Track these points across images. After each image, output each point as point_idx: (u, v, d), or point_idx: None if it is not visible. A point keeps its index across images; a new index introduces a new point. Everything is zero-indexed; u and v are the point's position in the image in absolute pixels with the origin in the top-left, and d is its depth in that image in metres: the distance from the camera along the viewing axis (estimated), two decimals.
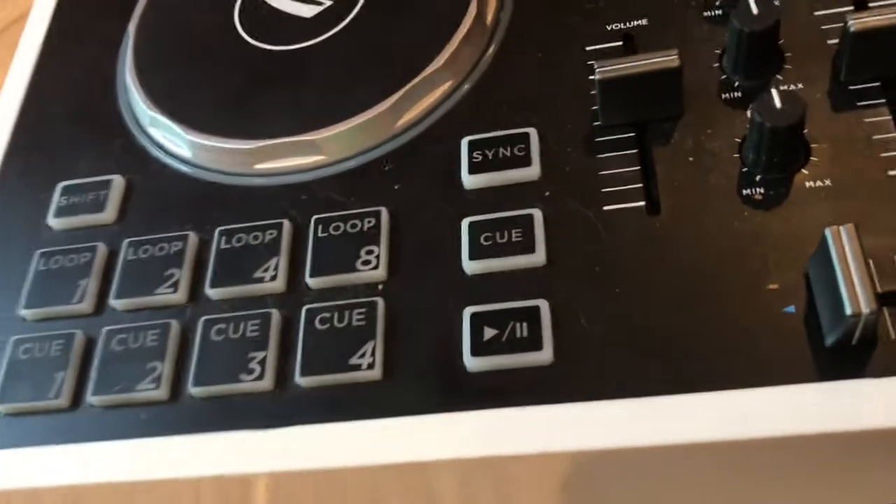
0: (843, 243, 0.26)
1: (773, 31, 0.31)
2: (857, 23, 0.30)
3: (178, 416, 0.31)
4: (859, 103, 0.31)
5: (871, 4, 0.33)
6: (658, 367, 0.28)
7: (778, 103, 0.29)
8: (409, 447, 0.28)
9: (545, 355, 0.28)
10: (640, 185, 0.31)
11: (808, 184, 0.30)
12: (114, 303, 0.33)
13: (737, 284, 0.29)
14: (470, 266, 0.31)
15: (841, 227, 0.26)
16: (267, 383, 0.30)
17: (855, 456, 0.27)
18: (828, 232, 0.26)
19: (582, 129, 0.33)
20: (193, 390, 0.31)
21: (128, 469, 0.30)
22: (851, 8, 0.33)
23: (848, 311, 0.25)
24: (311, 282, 0.32)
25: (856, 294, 0.25)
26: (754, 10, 0.31)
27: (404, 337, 0.30)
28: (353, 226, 0.32)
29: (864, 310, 0.25)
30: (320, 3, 0.38)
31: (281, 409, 0.30)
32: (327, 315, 0.31)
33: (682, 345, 0.28)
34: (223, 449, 0.30)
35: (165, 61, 0.39)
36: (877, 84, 0.31)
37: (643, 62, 0.31)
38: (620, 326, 0.29)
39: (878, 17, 0.30)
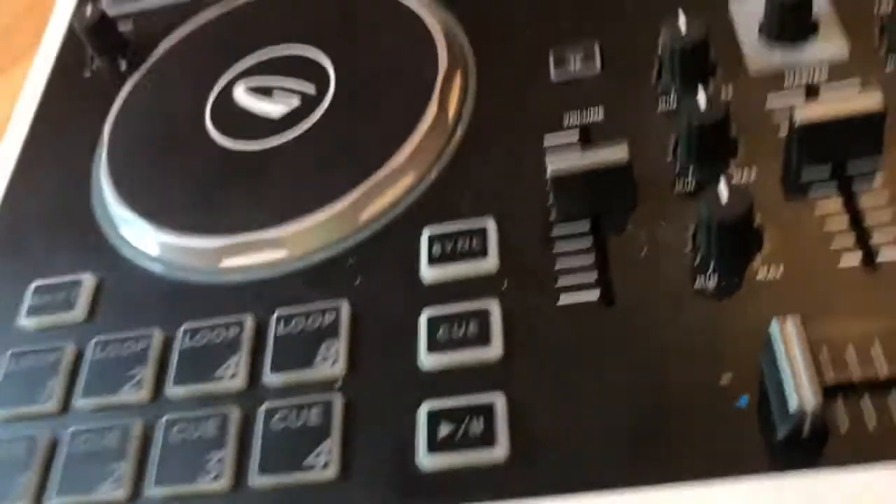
0: (788, 336, 0.26)
1: (721, 125, 0.32)
2: (802, 115, 0.31)
3: None
4: (811, 191, 0.31)
5: (822, 92, 0.34)
6: (613, 461, 0.28)
7: (724, 198, 0.29)
8: None
9: (500, 452, 0.28)
10: (595, 277, 0.31)
11: (760, 273, 0.30)
12: (79, 402, 0.34)
13: (691, 377, 0.28)
14: (427, 360, 0.31)
15: (787, 319, 0.26)
16: (224, 483, 0.30)
17: None
18: (774, 324, 0.26)
19: (539, 221, 0.34)
20: (153, 491, 0.31)
21: None
22: (802, 98, 0.34)
23: (793, 407, 0.25)
24: (271, 379, 0.32)
25: (801, 389, 0.25)
26: (703, 104, 0.32)
27: (361, 435, 0.30)
28: (314, 321, 0.33)
29: (809, 406, 0.25)
30: (289, 104, 0.39)
31: None
32: (284, 413, 0.31)
33: (637, 439, 0.28)
34: None
35: (137, 160, 0.40)
36: (828, 173, 0.32)
37: (592, 157, 0.31)
38: (575, 421, 0.29)
39: (823, 109, 0.30)
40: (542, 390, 0.30)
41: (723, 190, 0.29)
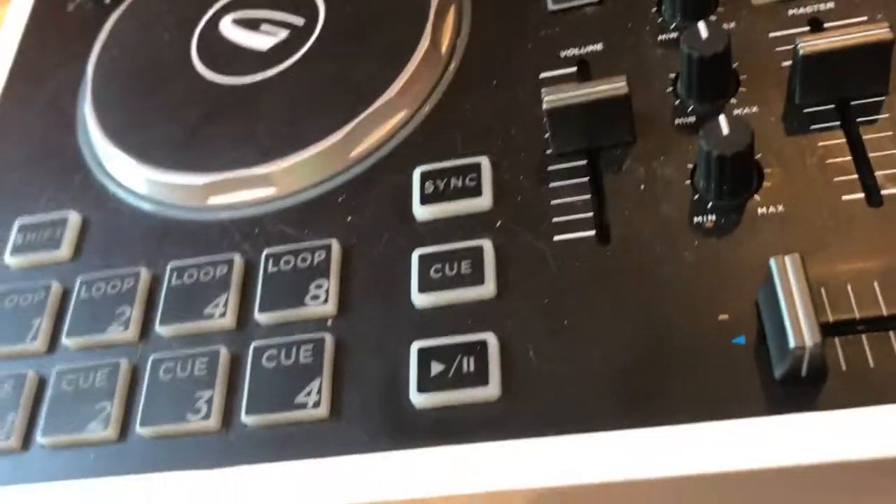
0: (787, 273, 0.25)
1: (723, 56, 0.31)
2: (806, 46, 0.29)
3: (126, 456, 0.30)
4: (813, 126, 0.30)
5: (826, 25, 0.33)
6: (606, 401, 0.27)
7: (725, 130, 0.28)
8: (354, 487, 0.28)
9: (492, 390, 0.28)
10: (591, 214, 0.31)
11: (760, 210, 0.29)
12: (66, 341, 0.33)
13: (687, 315, 0.28)
14: (419, 299, 0.30)
15: (786, 257, 0.26)
16: (213, 422, 0.30)
17: (803, 490, 0.26)
18: (773, 262, 0.26)
19: (535, 158, 0.33)
20: (141, 430, 0.30)
21: None
22: (806, 29, 0.33)
23: (791, 343, 0.24)
24: (261, 318, 0.31)
25: (800, 325, 0.24)
26: (704, 34, 0.31)
27: (352, 373, 0.30)
28: (304, 259, 0.32)
29: (808, 343, 0.24)
30: (276, 36, 0.38)
31: (227, 448, 0.29)
32: (274, 352, 0.30)
33: (631, 378, 0.27)
34: (170, 489, 0.29)
35: (123, 97, 0.39)
36: (831, 107, 0.31)
37: (590, 90, 0.30)
38: (569, 360, 0.28)
39: (828, 40, 0.29)
40: (535, 329, 0.29)
41: (723, 122, 0.28)
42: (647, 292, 0.29)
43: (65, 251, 0.35)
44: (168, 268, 0.33)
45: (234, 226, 0.34)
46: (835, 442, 0.25)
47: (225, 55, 0.38)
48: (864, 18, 0.32)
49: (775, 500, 0.27)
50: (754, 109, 0.31)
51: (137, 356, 0.32)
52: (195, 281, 0.33)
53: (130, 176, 0.37)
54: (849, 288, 0.27)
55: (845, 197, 0.29)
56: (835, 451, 0.25)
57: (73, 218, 0.36)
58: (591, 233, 0.30)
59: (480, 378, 0.28)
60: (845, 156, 0.30)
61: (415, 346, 0.29)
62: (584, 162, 0.32)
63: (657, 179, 0.31)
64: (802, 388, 0.26)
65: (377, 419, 0.29)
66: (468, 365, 0.28)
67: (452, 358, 0.29)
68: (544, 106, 0.31)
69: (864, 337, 0.26)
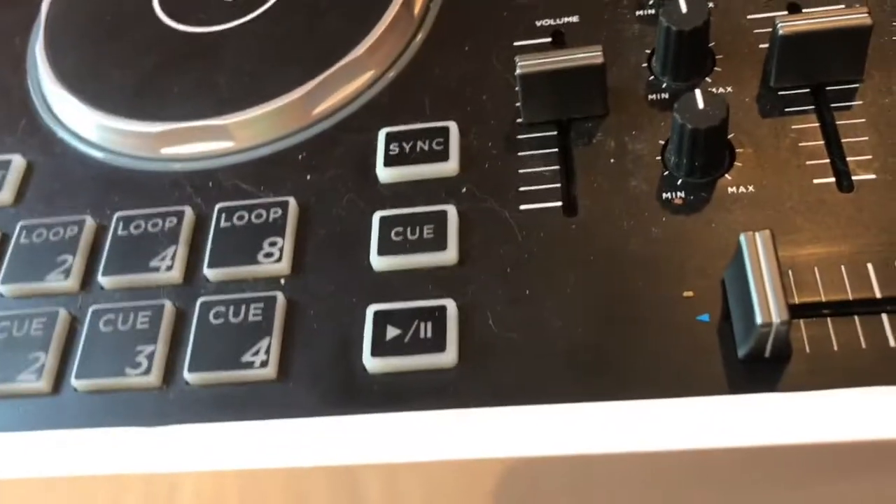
0: (757, 250, 0.25)
1: (702, 32, 0.30)
2: (785, 26, 0.29)
3: (59, 409, 0.29)
4: (787, 109, 0.30)
5: (805, 10, 0.32)
6: (566, 373, 0.26)
7: (700, 105, 0.28)
8: (298, 451, 0.26)
9: (448, 357, 0.27)
10: (559, 185, 0.30)
11: (730, 189, 0.29)
12: (1, 288, 0.31)
13: (652, 291, 0.27)
14: (378, 262, 0.29)
15: (756, 234, 0.25)
16: (153, 378, 0.28)
17: (761, 471, 0.25)
18: (742, 238, 0.25)
19: (504, 126, 0.32)
20: (76, 383, 0.29)
21: (4, 465, 0.28)
22: (784, 12, 0.32)
23: (759, 320, 0.24)
24: (210, 273, 0.30)
25: (767, 303, 0.24)
26: (683, 8, 0.30)
27: (303, 334, 0.29)
28: (259, 216, 0.31)
29: (775, 319, 0.24)
30: None
31: (167, 406, 0.28)
32: (222, 309, 0.29)
33: (592, 351, 0.27)
34: (104, 445, 0.28)
35: (77, 39, 0.37)
36: (806, 90, 0.30)
37: (566, 58, 0.30)
38: (529, 331, 0.27)
39: (807, 21, 0.29)
40: (496, 298, 0.28)
41: (699, 96, 0.28)
42: (611, 266, 0.28)
43: (6, 195, 0.34)
44: (114, 217, 0.32)
45: (186, 178, 0.33)
46: (795, 424, 0.24)
47: (188, 4, 0.37)
48: (843, 6, 0.32)
49: (731, 481, 0.26)
50: (729, 89, 0.31)
51: (77, 307, 0.30)
52: (142, 232, 0.31)
53: (80, 121, 0.35)
54: (816, 271, 0.27)
55: (816, 181, 0.28)
56: (794, 433, 0.24)
57: (17, 161, 0.34)
58: (558, 204, 0.30)
59: (437, 344, 0.27)
60: (818, 140, 0.29)
61: (371, 310, 0.28)
62: (554, 133, 0.31)
63: (628, 154, 0.30)
64: (765, 369, 0.25)
65: (327, 382, 0.27)
66: (425, 330, 0.27)
67: (409, 323, 0.28)
68: (518, 71, 0.30)
69: (828, 320, 0.26)
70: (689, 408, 0.25)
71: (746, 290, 0.24)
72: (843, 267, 0.26)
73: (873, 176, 0.28)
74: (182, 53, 0.35)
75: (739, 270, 0.25)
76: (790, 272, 0.27)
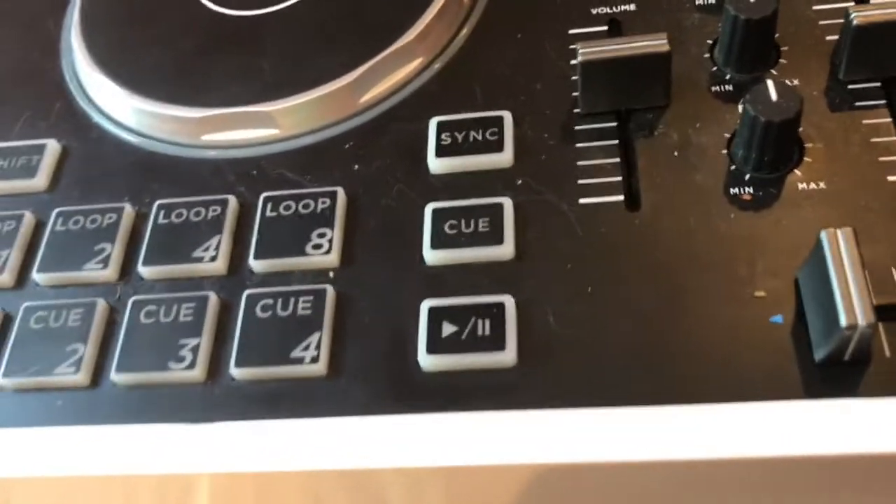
0: (839, 248, 0.24)
1: (770, 21, 0.29)
2: (859, 16, 0.28)
3: (97, 404, 0.28)
4: (858, 103, 0.29)
5: (875, 1, 0.31)
6: (630, 375, 0.25)
7: (774, 96, 0.27)
8: (352, 451, 0.25)
9: (508, 356, 0.26)
10: (620, 178, 0.29)
11: (800, 185, 0.28)
12: (36, 276, 0.30)
13: (720, 290, 0.26)
14: (431, 256, 0.28)
15: (838, 231, 0.24)
16: (198, 373, 0.27)
17: (839, 481, 0.24)
18: (823, 235, 0.24)
19: (560, 116, 0.31)
20: (116, 377, 0.28)
21: (38, 460, 0.27)
22: (852, 3, 0.31)
23: (843, 322, 0.22)
24: (255, 265, 0.29)
25: (852, 304, 0.23)
26: None
27: (354, 330, 0.27)
28: (306, 206, 0.30)
29: (861, 322, 0.22)
30: None
31: (213, 402, 0.27)
32: (270, 302, 0.28)
33: (657, 352, 0.25)
34: (145, 442, 0.27)
35: (114, 21, 0.36)
36: (877, 84, 0.29)
37: (630, 45, 0.29)
38: (591, 329, 0.26)
39: (883, 12, 0.28)
40: (556, 295, 0.27)
41: (772, 88, 0.27)
42: (677, 263, 0.27)
43: (41, 180, 0.33)
44: (155, 205, 0.31)
45: (228, 166, 0.32)
46: (877, 431, 0.23)
47: None
48: None
49: (807, 490, 0.25)
50: (795, 82, 0.30)
51: (116, 297, 0.29)
52: (184, 221, 0.30)
53: (117, 105, 0.34)
54: (894, 272, 0.25)
55: (891, 178, 0.27)
56: (877, 440, 0.23)
57: (52, 146, 0.33)
58: (620, 198, 0.28)
59: (496, 342, 0.26)
60: (892, 136, 0.28)
61: (425, 305, 0.27)
62: (614, 124, 0.30)
63: (692, 147, 0.29)
64: (844, 373, 0.24)
65: (380, 380, 0.26)
66: (483, 328, 0.26)
67: (466, 320, 0.26)
68: (578, 58, 0.29)
69: None
70: (764, 413, 0.24)
71: (828, 291, 0.23)
72: None
73: None
74: (224, 37, 0.34)
75: (819, 269, 0.24)
76: (868, 269, 0.26)
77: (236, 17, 0.34)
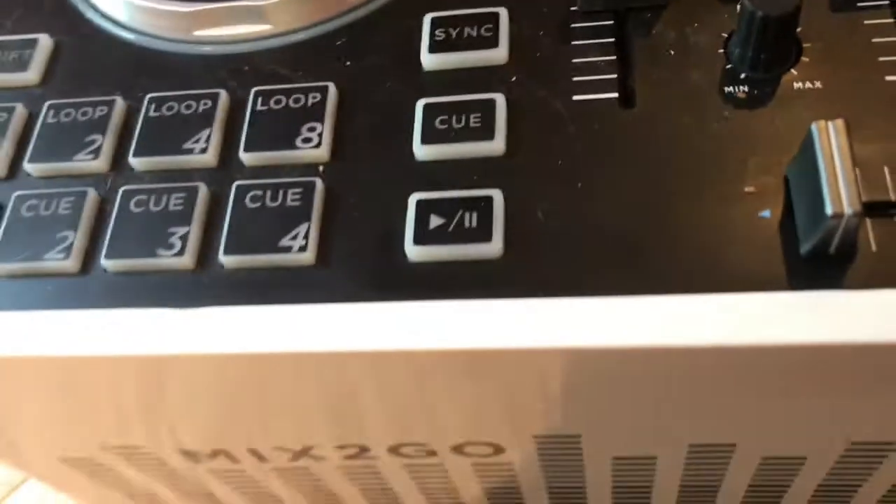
0: (829, 139, 0.23)
1: None
2: None
3: (87, 289, 0.28)
4: (861, 3, 0.28)
5: None
6: (618, 266, 0.25)
7: None
8: (336, 336, 0.26)
9: (494, 247, 0.26)
10: (616, 76, 0.28)
11: (796, 85, 0.27)
12: (28, 167, 0.30)
13: (711, 186, 0.26)
14: (422, 151, 0.28)
15: (829, 123, 0.24)
16: (187, 260, 0.27)
17: (820, 370, 0.24)
18: (814, 126, 0.24)
19: (557, 14, 0.30)
20: (106, 263, 0.28)
21: (29, 342, 0.27)
22: None
23: (829, 210, 0.22)
24: (246, 157, 0.29)
25: (839, 193, 0.23)
26: None
27: (343, 221, 0.27)
28: (297, 100, 0.29)
29: (847, 210, 0.22)
30: None
31: (201, 288, 0.27)
32: (259, 193, 0.28)
33: (644, 245, 0.25)
34: (134, 326, 0.27)
35: None
36: None
37: None
38: (580, 223, 0.26)
39: None
40: (545, 190, 0.27)
41: None
42: (670, 160, 0.27)
43: (33, 74, 0.32)
44: (146, 99, 0.31)
45: (220, 61, 0.32)
46: (859, 322, 0.23)
47: None
48: None
49: (788, 379, 0.25)
50: None
51: (107, 188, 0.29)
52: (175, 114, 0.30)
53: (109, 1, 0.33)
54: (886, 170, 0.25)
55: (889, 77, 0.27)
56: (858, 331, 0.23)
57: (44, 41, 0.33)
58: (614, 95, 0.28)
59: (483, 234, 0.26)
60: (893, 36, 0.28)
61: (413, 198, 0.27)
62: (611, 22, 0.30)
63: (689, 46, 0.29)
64: (828, 266, 0.24)
65: (368, 269, 0.26)
66: (470, 220, 0.26)
67: (454, 212, 0.26)
68: None
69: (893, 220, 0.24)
70: (746, 303, 0.24)
71: (816, 181, 0.23)
72: None
73: None
74: None
75: (809, 161, 0.24)
76: (858, 170, 0.25)
77: None
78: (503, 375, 0.26)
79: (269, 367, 0.26)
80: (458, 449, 0.33)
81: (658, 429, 0.31)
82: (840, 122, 0.24)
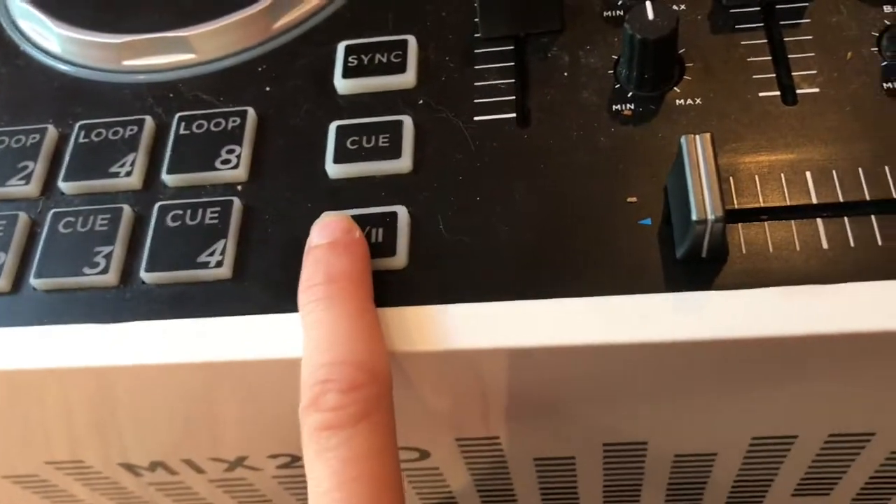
0: (696, 151, 0.25)
1: None
2: None
3: (18, 307, 0.29)
4: (738, 26, 0.31)
5: None
6: (512, 274, 0.27)
7: (651, 16, 0.28)
8: (251, 345, 0.27)
9: (398, 260, 0.28)
10: (514, 97, 0.30)
11: (678, 102, 0.29)
12: None
13: (597, 197, 0.28)
14: (333, 169, 0.30)
15: (696, 136, 0.26)
16: (111, 277, 0.29)
17: (693, 365, 0.26)
18: (683, 139, 0.26)
19: (463, 41, 0.32)
20: (35, 282, 0.29)
21: None
22: None
23: (694, 216, 0.24)
24: (168, 179, 0.31)
25: (703, 200, 0.25)
26: None
27: (259, 238, 0.29)
28: (217, 124, 0.31)
29: (710, 216, 0.24)
30: None
31: (124, 304, 0.29)
32: (180, 212, 0.29)
33: (538, 254, 0.27)
34: (64, 341, 0.28)
35: None
36: (757, 9, 0.31)
37: None
38: (479, 235, 0.28)
39: None
40: (447, 205, 0.29)
41: (649, 8, 0.28)
42: (559, 174, 0.29)
43: None
44: (76, 126, 0.32)
45: (147, 89, 0.33)
46: (728, 319, 0.25)
47: None
48: None
49: (664, 374, 0.27)
50: (682, 7, 0.31)
51: (37, 211, 0.31)
52: (103, 140, 0.32)
53: (43, 33, 0.35)
54: (756, 178, 0.27)
55: (762, 94, 0.29)
56: (727, 328, 0.25)
57: None
58: (512, 115, 0.30)
59: (388, 248, 0.28)
60: (766, 55, 0.30)
61: (323, 215, 0.29)
62: (511, 47, 0.32)
63: (581, 67, 0.31)
64: (702, 269, 0.26)
65: (280, 283, 0.28)
66: (377, 235, 0.28)
67: (361, 227, 0.28)
68: None
69: (766, 224, 0.27)
70: (627, 304, 0.26)
71: (685, 190, 0.25)
72: (782, 175, 0.27)
73: (817, 90, 0.29)
74: None
75: (679, 171, 0.26)
76: (731, 179, 0.27)
77: None
78: (428, 377, 0.28)
79: (184, 377, 0.28)
80: None
81: (574, 429, 0.33)
82: (706, 136, 0.26)
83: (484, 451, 0.35)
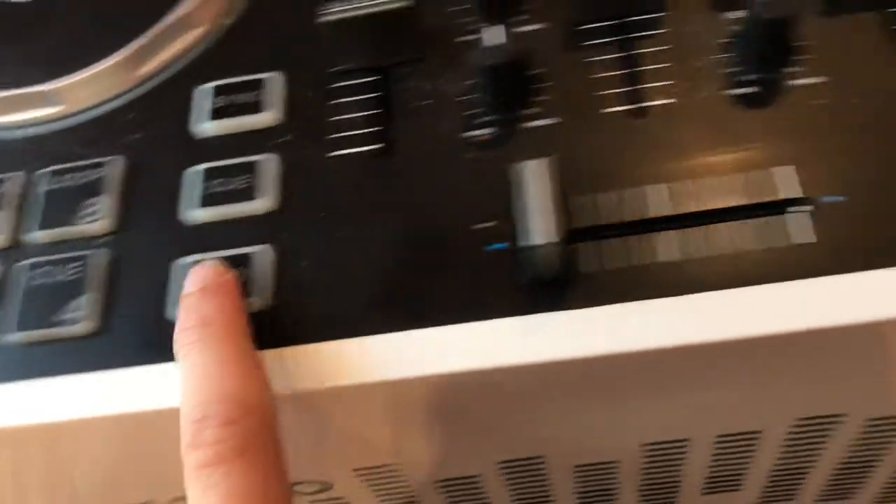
0: (535, 176, 0.26)
1: None
2: None
3: None
4: (590, 42, 0.31)
5: None
6: (371, 309, 0.27)
7: (497, 41, 0.28)
8: (118, 399, 0.27)
9: (263, 301, 0.28)
10: (375, 129, 0.31)
11: (533, 123, 0.30)
12: None
13: (453, 225, 0.28)
14: (195, 214, 0.30)
15: (533, 161, 0.26)
16: None
17: (546, 384, 0.27)
18: (521, 166, 0.26)
19: (325, 75, 0.32)
20: None
21: None
22: None
23: (533, 241, 0.25)
24: (34, 236, 0.31)
25: (540, 225, 0.25)
26: None
27: (123, 289, 0.29)
28: (84, 176, 0.31)
29: (547, 240, 0.25)
30: None
31: None
32: (44, 270, 0.30)
33: (395, 287, 0.28)
34: None
35: None
36: (610, 23, 0.31)
37: (371, 2, 0.30)
38: (340, 272, 0.28)
39: None
40: (310, 242, 0.29)
41: (496, 34, 0.28)
42: (417, 204, 0.29)
43: None
44: None
45: (19, 145, 0.33)
46: (569, 339, 0.25)
47: None
48: None
49: (511, 395, 0.27)
50: (538, 26, 0.32)
51: None
52: None
53: None
54: (596, 196, 0.28)
55: (611, 109, 0.29)
56: (560, 350, 0.25)
57: None
58: (373, 147, 0.30)
59: (253, 289, 0.28)
60: (616, 70, 0.30)
61: (178, 263, 0.29)
62: (372, 79, 0.32)
63: (440, 95, 0.31)
64: (549, 290, 0.26)
65: (144, 334, 0.28)
66: (243, 276, 0.28)
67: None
68: (320, 19, 0.30)
69: (603, 242, 0.27)
70: (474, 331, 0.26)
71: (524, 215, 0.25)
72: (623, 191, 0.28)
73: (671, 101, 0.29)
74: (6, 22, 0.35)
75: (517, 197, 0.26)
76: (579, 194, 0.28)
77: (13, 2, 0.36)
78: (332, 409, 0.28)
79: (58, 435, 0.28)
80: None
81: (465, 449, 0.33)
82: (544, 161, 0.26)
83: (387, 479, 0.35)
